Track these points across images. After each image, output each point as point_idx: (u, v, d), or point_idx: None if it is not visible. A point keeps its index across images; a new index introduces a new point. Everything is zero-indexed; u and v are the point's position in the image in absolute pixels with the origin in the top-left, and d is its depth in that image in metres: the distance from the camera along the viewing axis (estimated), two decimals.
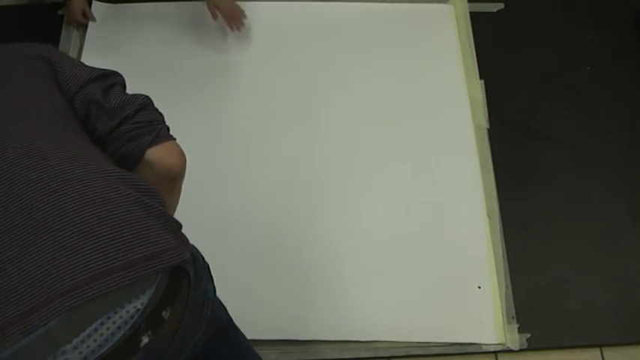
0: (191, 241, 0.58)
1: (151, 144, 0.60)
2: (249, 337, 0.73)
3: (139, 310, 0.47)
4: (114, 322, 0.46)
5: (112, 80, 0.63)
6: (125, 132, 0.59)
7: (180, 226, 0.56)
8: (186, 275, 0.53)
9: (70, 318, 0.45)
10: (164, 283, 0.49)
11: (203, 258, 0.61)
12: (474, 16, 1.24)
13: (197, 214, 0.90)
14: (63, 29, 1.21)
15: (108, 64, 0.67)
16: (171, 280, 0.50)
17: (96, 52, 1.17)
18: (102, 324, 0.46)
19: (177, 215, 0.65)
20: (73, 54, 1.17)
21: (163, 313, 0.49)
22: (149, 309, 0.48)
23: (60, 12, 1.23)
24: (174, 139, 0.63)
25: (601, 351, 0.97)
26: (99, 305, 0.46)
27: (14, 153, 0.51)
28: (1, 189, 0.50)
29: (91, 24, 1.20)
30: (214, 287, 0.62)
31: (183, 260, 0.52)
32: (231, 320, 0.68)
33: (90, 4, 1.22)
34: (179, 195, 0.66)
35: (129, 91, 0.65)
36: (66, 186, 0.50)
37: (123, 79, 0.65)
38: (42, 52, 0.62)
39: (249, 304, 0.96)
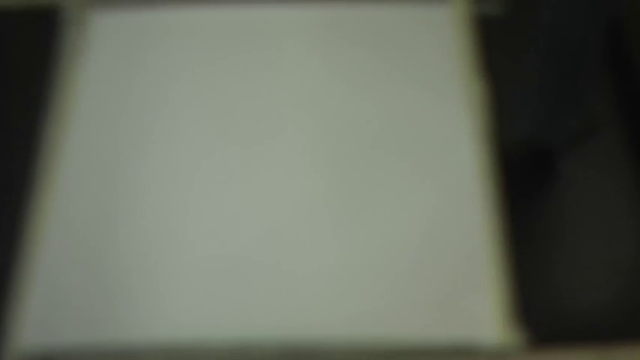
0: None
1: None
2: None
3: None
4: None
5: None
6: None
7: None
8: None
9: None
10: None
11: None
12: (474, 19, 1.23)
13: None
14: (63, 32, 1.22)
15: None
16: None
17: (97, 60, 1.18)
18: None
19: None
20: (72, 60, 1.18)
21: None
22: None
23: (60, 13, 1.24)
24: None
25: (601, 351, 0.97)
26: None
27: None
28: None
29: (93, 30, 1.21)
30: None
31: None
32: None
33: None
34: None
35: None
36: None
37: None
38: None
39: (249, 305, 0.98)
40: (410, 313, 0.99)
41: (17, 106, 1.15)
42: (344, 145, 1.11)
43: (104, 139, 1.10)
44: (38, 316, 0.96)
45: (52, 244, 1.01)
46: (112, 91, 1.15)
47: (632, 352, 0.97)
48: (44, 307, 0.96)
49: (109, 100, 1.14)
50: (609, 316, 0.99)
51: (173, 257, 1.00)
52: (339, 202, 1.07)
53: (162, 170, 1.08)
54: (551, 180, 1.11)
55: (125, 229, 1.02)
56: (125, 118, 1.12)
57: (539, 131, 1.12)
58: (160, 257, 1.00)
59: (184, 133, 1.11)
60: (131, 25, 1.22)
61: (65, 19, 1.23)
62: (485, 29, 1.23)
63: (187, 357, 0.94)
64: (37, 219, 1.03)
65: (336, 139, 1.12)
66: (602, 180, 1.10)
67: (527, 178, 1.11)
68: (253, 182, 1.07)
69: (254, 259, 1.01)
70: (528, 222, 1.06)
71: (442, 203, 1.07)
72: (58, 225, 1.02)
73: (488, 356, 0.98)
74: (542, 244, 1.05)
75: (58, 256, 1.00)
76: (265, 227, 1.04)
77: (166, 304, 0.97)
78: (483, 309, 0.99)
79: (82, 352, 0.93)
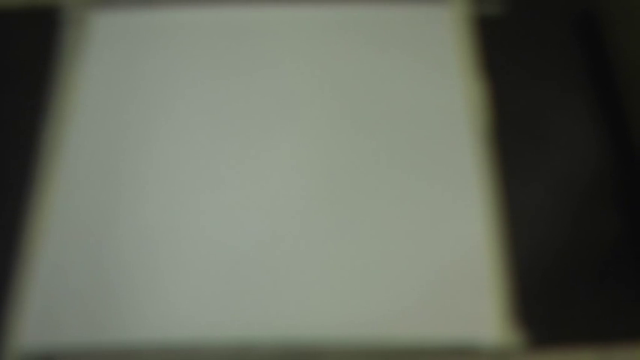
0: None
1: None
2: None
3: None
4: None
5: None
6: None
7: None
8: None
9: None
10: None
11: None
12: (475, 19, 1.23)
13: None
14: (63, 32, 1.22)
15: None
16: None
17: (97, 59, 1.18)
18: None
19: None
20: (72, 60, 1.18)
21: None
22: None
23: (60, 13, 1.24)
24: None
25: (601, 351, 0.97)
26: None
27: None
28: None
29: (93, 30, 1.21)
30: None
31: None
32: None
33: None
34: None
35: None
36: None
37: None
38: None
39: (249, 305, 0.98)
40: (410, 313, 0.99)
41: (17, 106, 1.15)
42: (346, 144, 1.11)
43: (104, 138, 1.10)
44: (38, 315, 0.96)
45: (52, 244, 1.01)
46: (112, 90, 1.15)
47: (632, 352, 0.97)
48: (44, 306, 0.96)
49: (109, 99, 1.14)
50: (609, 316, 0.99)
51: (174, 258, 1.00)
52: (340, 203, 1.07)
53: (163, 169, 1.08)
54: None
55: (125, 229, 1.02)
56: (125, 117, 1.12)
57: None
58: (161, 257, 1.00)
59: (184, 132, 1.11)
60: (131, 25, 1.22)
61: (65, 19, 1.23)
62: (485, 29, 1.23)
63: (187, 357, 0.95)
64: (37, 219, 1.03)
65: (339, 137, 1.12)
66: None
67: None
68: (255, 181, 1.07)
69: (255, 259, 1.02)
70: (529, 219, 1.07)
71: (441, 204, 1.07)
72: (59, 225, 1.02)
73: (489, 356, 0.98)
74: (543, 243, 1.05)
75: (58, 256, 1.00)
76: (266, 228, 1.04)
77: (167, 304, 0.97)
78: (483, 309, 1.00)
79: (82, 351, 0.93)
